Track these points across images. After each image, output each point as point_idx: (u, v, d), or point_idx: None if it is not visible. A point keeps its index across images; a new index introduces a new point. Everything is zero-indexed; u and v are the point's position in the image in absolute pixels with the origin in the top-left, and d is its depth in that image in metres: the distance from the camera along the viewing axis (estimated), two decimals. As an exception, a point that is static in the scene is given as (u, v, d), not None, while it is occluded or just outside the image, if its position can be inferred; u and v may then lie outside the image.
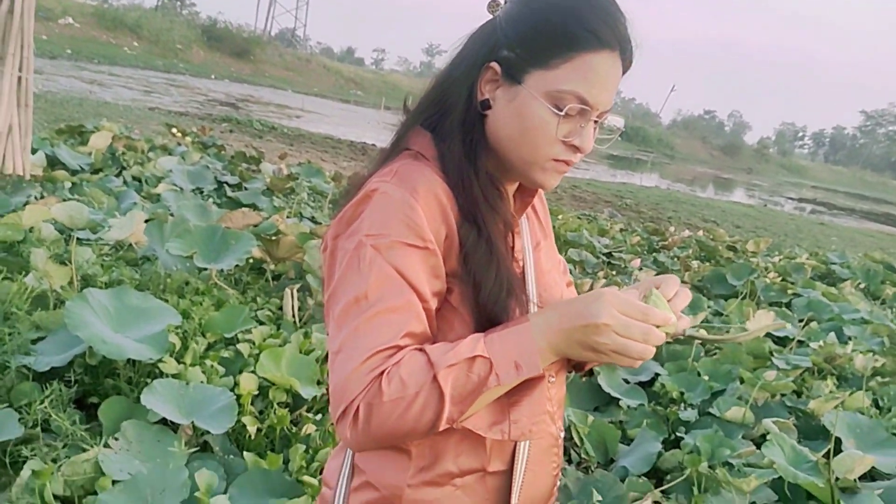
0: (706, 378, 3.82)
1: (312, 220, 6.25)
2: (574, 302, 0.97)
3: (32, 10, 5.09)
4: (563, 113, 1.01)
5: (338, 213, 1.07)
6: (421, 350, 0.96)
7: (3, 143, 5.05)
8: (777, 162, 76.05)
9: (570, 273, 1.39)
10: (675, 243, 8.26)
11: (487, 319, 1.03)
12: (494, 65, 1.05)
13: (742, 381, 3.75)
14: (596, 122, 1.05)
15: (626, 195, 16.95)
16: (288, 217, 5.68)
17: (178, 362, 2.81)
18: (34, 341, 2.78)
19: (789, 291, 6.40)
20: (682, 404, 3.65)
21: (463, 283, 1.03)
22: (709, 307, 5.45)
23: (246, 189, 6.76)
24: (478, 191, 1.06)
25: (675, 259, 7.46)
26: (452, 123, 1.08)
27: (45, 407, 2.39)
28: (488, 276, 1.03)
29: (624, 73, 1.06)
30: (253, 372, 2.85)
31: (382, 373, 0.93)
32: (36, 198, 4.73)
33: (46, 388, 2.48)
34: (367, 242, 0.98)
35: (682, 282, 6.46)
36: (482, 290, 1.03)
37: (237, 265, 3.90)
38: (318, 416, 2.83)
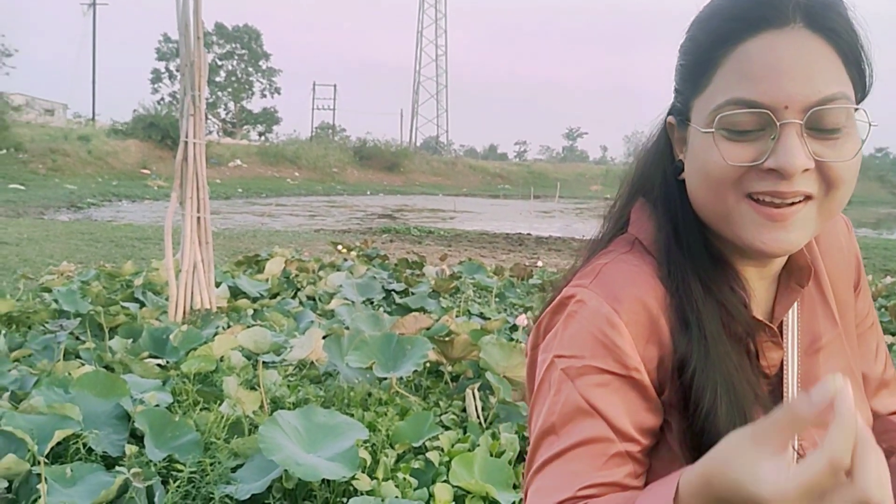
0: None
1: (481, 315, 6.19)
2: (727, 460, 0.60)
3: (203, 156, 5.53)
4: (713, 129, 0.76)
5: (538, 316, 0.89)
6: None
7: (191, 280, 5.42)
8: (971, 190, 69.03)
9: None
10: (879, 292, 7.45)
11: None
12: (671, 118, 0.88)
13: None
14: (804, 126, 0.74)
15: (805, 248, 15.80)
16: (457, 316, 5.64)
17: (371, 478, 2.74)
18: (234, 469, 2.81)
19: None
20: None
21: (682, 419, 0.81)
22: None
23: (413, 294, 6.85)
24: (695, 285, 0.82)
25: (884, 310, 6.70)
26: (656, 202, 0.89)
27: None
28: (715, 409, 0.78)
29: (840, 47, 0.75)
30: (446, 481, 2.74)
31: None
32: (223, 328, 4.98)
33: (248, 516, 2.47)
34: (558, 364, 0.81)
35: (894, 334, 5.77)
36: (707, 430, 0.78)
37: (415, 371, 3.86)
38: (520, 525, 2.65)
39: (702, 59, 0.79)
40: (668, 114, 0.89)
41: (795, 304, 0.89)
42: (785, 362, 0.87)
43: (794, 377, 0.87)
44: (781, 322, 0.88)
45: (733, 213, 0.78)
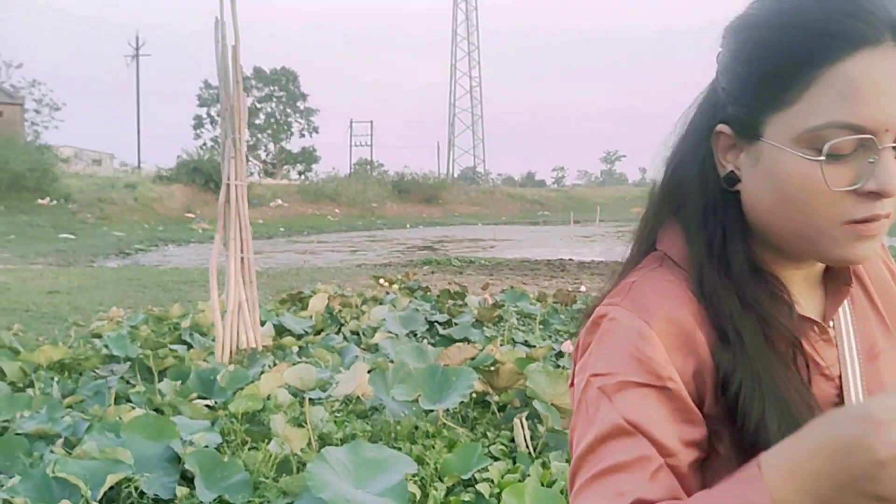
0: None
1: (526, 343, 6.14)
2: (826, 424, 0.62)
3: (245, 197, 5.63)
4: (823, 157, 0.72)
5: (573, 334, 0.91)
6: None
7: (236, 320, 5.48)
8: None
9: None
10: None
11: None
12: (723, 127, 0.81)
13: None
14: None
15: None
16: (501, 345, 5.61)
17: (421, 513, 2.71)
18: (283, 508, 2.81)
19: None
20: None
21: (734, 428, 0.78)
22: None
23: (456, 324, 6.83)
24: (730, 300, 0.80)
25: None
26: (691, 214, 0.86)
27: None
28: (765, 423, 0.75)
29: None
30: (497, 514, 2.69)
31: None
32: (269, 366, 5.02)
33: (299, 555, 2.46)
34: (594, 384, 0.79)
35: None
36: (758, 444, 0.74)
37: (461, 402, 3.83)
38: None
39: (783, 72, 0.75)
40: (720, 122, 0.83)
41: (847, 306, 0.88)
42: (842, 364, 0.85)
43: (855, 380, 0.84)
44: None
45: (827, 234, 0.77)
